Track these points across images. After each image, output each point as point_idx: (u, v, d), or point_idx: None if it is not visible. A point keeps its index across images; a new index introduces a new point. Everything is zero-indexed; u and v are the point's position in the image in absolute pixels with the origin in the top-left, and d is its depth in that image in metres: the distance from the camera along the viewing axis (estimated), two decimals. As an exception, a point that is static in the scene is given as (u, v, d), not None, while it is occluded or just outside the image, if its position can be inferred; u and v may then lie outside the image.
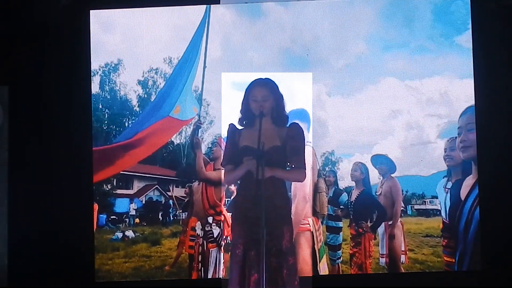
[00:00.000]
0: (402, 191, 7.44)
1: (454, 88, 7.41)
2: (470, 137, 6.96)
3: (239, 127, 5.25)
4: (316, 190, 7.14)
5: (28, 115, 7.18)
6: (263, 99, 5.15)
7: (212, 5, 7.51)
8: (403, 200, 7.46)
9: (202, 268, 7.22)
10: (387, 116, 7.47)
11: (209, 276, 7.17)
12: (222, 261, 7.16)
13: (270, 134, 5.05)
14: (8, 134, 7.11)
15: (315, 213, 7.09)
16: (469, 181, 6.95)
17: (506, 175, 6.86)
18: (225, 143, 5.32)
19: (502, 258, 6.75)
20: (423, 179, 7.39)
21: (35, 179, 7.08)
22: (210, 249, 7.26)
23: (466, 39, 7.36)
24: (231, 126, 5.28)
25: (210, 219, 7.32)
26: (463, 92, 7.33)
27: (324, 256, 7.04)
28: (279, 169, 5.08)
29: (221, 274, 7.09)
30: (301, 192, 6.87)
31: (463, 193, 6.89)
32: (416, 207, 7.56)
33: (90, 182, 7.26)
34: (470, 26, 7.24)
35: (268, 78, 5.28)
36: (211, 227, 7.28)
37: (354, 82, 7.51)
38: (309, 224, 7.00)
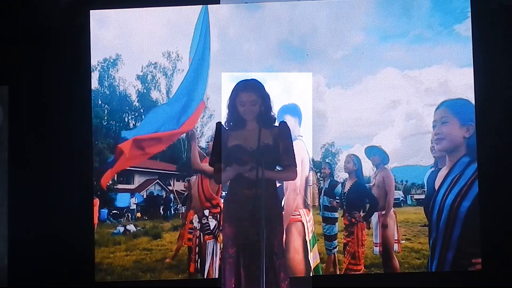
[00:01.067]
0: (402, 181, 7.57)
1: (453, 77, 7.41)
2: (443, 130, 7.11)
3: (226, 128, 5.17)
4: (307, 183, 7.20)
5: (28, 115, 7.22)
6: (251, 104, 5.19)
7: (210, -1, 7.07)
8: (403, 190, 7.63)
9: (199, 259, 7.34)
10: (386, 107, 7.48)
11: (206, 266, 7.28)
12: (219, 252, 7.22)
13: (260, 134, 5.07)
14: (8, 134, 7.17)
15: (306, 205, 7.18)
16: (442, 172, 7.08)
17: (506, 174, 6.97)
18: (213, 142, 5.34)
19: (502, 258, 6.81)
20: (423, 169, 7.43)
21: (35, 179, 7.13)
22: (207, 241, 7.36)
23: (465, 27, 7.36)
24: (219, 125, 5.28)
25: (206, 212, 7.40)
26: (462, 81, 7.35)
27: (315, 246, 7.17)
28: (271, 171, 5.14)
29: (217, 265, 7.24)
30: (292, 185, 6.98)
31: (437, 183, 7.05)
32: (416, 197, 7.67)
33: (90, 182, 7.32)
34: (469, 15, 7.26)
35: (254, 79, 5.29)
36: (207, 220, 7.38)
37: (352, 73, 7.51)
38: (300, 215, 7.15)
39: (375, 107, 7.46)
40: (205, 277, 7.22)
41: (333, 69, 7.53)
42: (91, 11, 7.29)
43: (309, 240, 7.08)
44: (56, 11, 7.21)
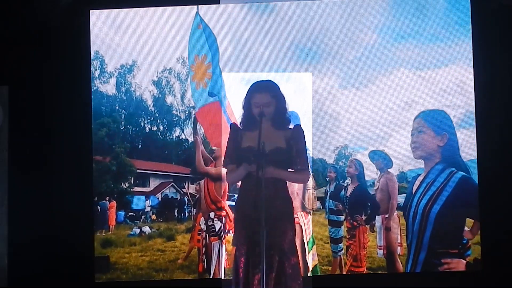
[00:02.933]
0: (415, 184, 6.94)
1: (470, 77, 6.50)
2: (419, 139, 6.49)
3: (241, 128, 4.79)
4: (304, 187, 6.59)
5: (28, 115, 6.60)
6: (265, 105, 4.64)
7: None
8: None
9: (206, 259, 6.72)
10: (401, 108, 6.65)
11: (212, 266, 6.68)
12: (224, 253, 6.69)
13: (272, 136, 4.59)
14: (8, 134, 6.54)
15: (304, 208, 6.57)
16: (420, 178, 6.48)
17: (506, 175, 6.37)
18: (227, 142, 4.81)
19: (502, 258, 6.23)
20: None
21: (35, 179, 6.46)
22: (212, 242, 6.74)
23: (481, 26, 6.64)
24: (234, 125, 4.80)
25: (212, 214, 6.78)
26: (479, 80, 6.57)
27: (313, 248, 6.62)
28: (283, 170, 4.66)
29: (223, 265, 6.68)
30: (290, 189, 6.11)
31: (414, 188, 6.47)
32: (430, 200, 7.08)
33: (90, 182, 6.63)
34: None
35: (270, 81, 4.76)
36: (213, 222, 6.76)
37: (366, 74, 6.68)
38: (298, 218, 6.49)
39: (389, 109, 6.66)
40: (211, 276, 6.66)
41: (346, 70, 6.74)
42: (91, 11, 6.61)
43: (307, 242, 6.54)
44: (56, 11, 6.56)
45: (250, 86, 4.72)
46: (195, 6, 6.73)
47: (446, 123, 6.50)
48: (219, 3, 6.70)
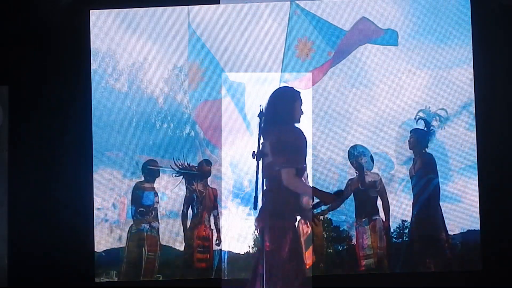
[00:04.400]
0: (427, 185, 6.95)
1: None
2: (403, 146, 6.14)
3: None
4: None
5: (28, 115, 6.24)
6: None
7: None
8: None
9: (208, 255, 6.38)
10: (412, 108, 6.07)
11: (215, 263, 6.32)
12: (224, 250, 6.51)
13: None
14: (8, 134, 6.18)
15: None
16: (403, 183, 6.24)
17: (506, 175, 6.01)
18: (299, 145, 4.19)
19: (502, 258, 5.93)
20: (451, 171, 6.76)
21: (35, 179, 6.12)
22: (215, 239, 6.40)
23: (494, 25, 6.58)
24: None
25: (215, 212, 6.43)
26: (493, 81, 6.48)
27: (310, 247, 6.11)
28: None
29: (225, 262, 6.43)
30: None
31: (398, 191, 6.32)
32: (441, 200, 7.08)
33: (91, 181, 6.21)
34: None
35: None
36: (215, 219, 6.41)
37: (376, 73, 6.09)
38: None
39: (399, 108, 6.10)
40: (213, 272, 6.27)
41: (356, 70, 6.12)
42: (92, 11, 6.21)
43: (304, 241, 5.85)
44: (56, 11, 6.13)
45: (291, 90, 4.15)
46: (192, 13, 6.30)
47: (429, 131, 6.14)
48: (219, 3, 6.28)
